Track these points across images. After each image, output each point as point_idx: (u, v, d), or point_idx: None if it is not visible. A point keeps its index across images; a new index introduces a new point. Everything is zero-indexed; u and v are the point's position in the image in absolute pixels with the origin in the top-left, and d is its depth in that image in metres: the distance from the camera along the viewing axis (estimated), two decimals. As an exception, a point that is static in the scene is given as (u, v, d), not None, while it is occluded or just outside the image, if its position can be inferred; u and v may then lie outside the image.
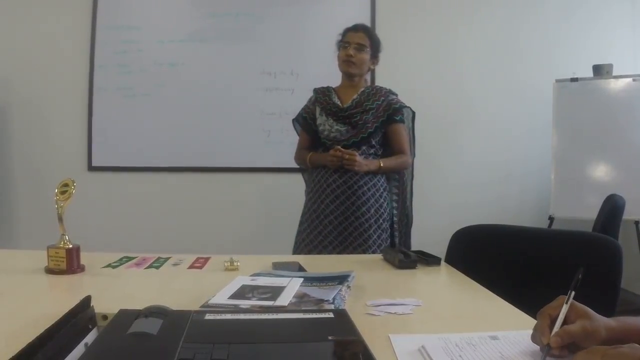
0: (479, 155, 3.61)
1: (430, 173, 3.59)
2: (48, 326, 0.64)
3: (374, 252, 2.02)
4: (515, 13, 3.59)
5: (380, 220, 2.11)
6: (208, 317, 0.80)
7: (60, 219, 1.27)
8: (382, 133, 2.15)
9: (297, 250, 2.20)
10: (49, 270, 1.23)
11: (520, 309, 0.96)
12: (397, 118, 2.15)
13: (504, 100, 3.60)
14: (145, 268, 1.31)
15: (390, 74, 3.55)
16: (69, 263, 1.22)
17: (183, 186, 3.51)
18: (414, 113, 2.27)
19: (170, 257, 1.43)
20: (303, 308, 0.90)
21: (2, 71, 3.45)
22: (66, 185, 1.29)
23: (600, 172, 3.28)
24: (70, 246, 1.24)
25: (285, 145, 3.48)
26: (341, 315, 0.83)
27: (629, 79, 3.22)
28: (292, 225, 3.46)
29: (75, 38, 3.45)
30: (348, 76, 2.15)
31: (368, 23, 3.52)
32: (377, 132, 2.13)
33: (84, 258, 1.28)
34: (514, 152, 3.62)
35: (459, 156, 3.62)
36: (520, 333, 0.77)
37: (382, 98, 2.14)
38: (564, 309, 0.72)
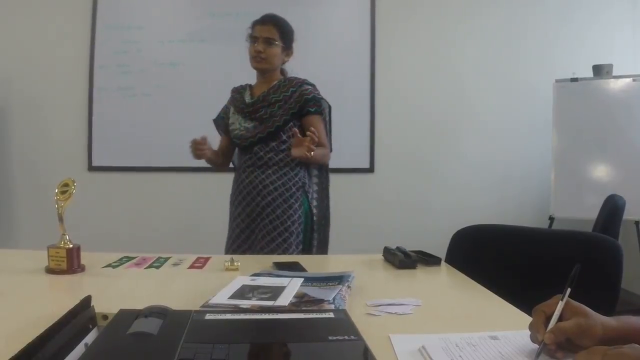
0: (479, 155, 3.61)
1: (430, 173, 3.60)
2: (48, 326, 0.64)
3: (280, 254, 1.85)
4: (515, 13, 3.60)
5: (289, 222, 1.93)
6: (208, 317, 0.80)
7: (60, 219, 1.27)
8: (298, 126, 1.96)
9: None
10: (50, 270, 1.23)
11: (520, 309, 0.96)
12: (312, 110, 1.97)
13: (504, 100, 3.60)
14: (145, 268, 1.31)
15: (390, 74, 3.56)
16: (69, 263, 1.22)
17: (183, 186, 3.51)
18: (330, 107, 2.09)
19: (170, 257, 1.43)
20: (303, 308, 0.90)
21: (2, 71, 3.45)
22: (66, 185, 1.29)
23: (600, 172, 3.28)
24: (71, 246, 1.24)
25: (285, 145, 3.48)
26: (341, 315, 0.83)
27: (629, 79, 3.22)
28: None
29: (75, 38, 3.45)
30: (260, 72, 2.02)
31: (368, 23, 3.53)
32: (287, 125, 1.95)
33: (84, 258, 1.28)
34: (514, 152, 3.62)
35: (459, 156, 3.62)
36: (520, 333, 0.77)
37: (293, 89, 1.98)
38: (559, 305, 0.71)
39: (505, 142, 3.62)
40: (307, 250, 2.02)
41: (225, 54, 3.48)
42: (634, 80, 3.20)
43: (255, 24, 2.02)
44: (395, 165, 3.56)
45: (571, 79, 3.32)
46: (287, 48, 2.03)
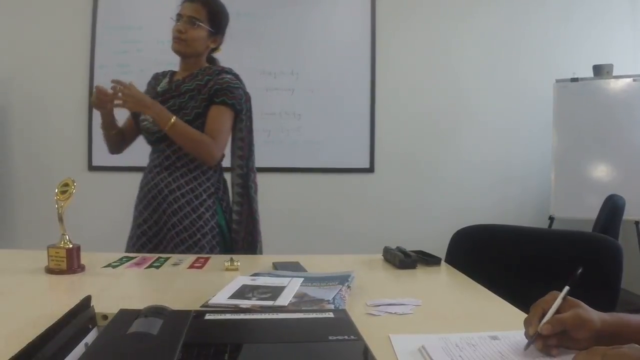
0: (479, 155, 3.61)
1: (430, 173, 3.60)
2: (48, 326, 0.64)
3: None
4: (515, 13, 3.59)
5: (198, 236, 1.64)
6: (208, 317, 0.80)
7: (60, 219, 1.27)
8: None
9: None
10: (49, 270, 1.23)
11: (520, 309, 0.96)
12: (218, 100, 1.67)
13: (504, 100, 3.60)
14: (145, 268, 1.31)
15: (390, 74, 3.56)
16: (69, 263, 1.22)
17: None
18: (246, 95, 1.83)
19: (170, 257, 1.43)
20: (303, 308, 0.90)
21: (2, 71, 3.45)
22: (66, 185, 1.29)
23: (600, 172, 3.28)
24: (71, 246, 1.24)
25: (285, 145, 3.48)
26: (341, 315, 0.83)
27: (629, 79, 3.22)
28: (292, 225, 3.48)
29: (75, 38, 3.45)
30: (180, 56, 1.77)
31: (368, 23, 3.53)
32: (199, 119, 1.67)
33: (84, 258, 1.28)
34: (514, 152, 3.62)
35: (459, 156, 3.62)
36: (520, 333, 0.77)
37: (208, 77, 1.71)
38: (557, 301, 0.72)
39: (505, 142, 3.62)
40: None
41: (225, 54, 3.48)
42: (634, 80, 3.20)
43: (185, 0, 1.76)
44: (395, 165, 3.56)
45: (571, 79, 3.32)
46: (216, 33, 1.77)
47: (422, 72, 3.58)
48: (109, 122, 1.74)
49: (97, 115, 3.72)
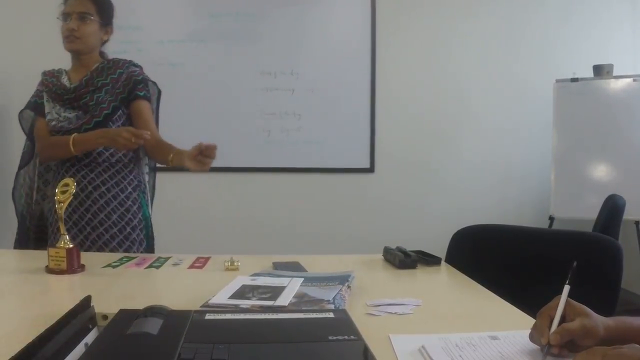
0: (479, 155, 3.61)
1: (431, 173, 3.60)
2: (48, 326, 0.64)
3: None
4: (515, 13, 3.59)
5: (128, 229, 1.64)
6: (208, 317, 0.80)
7: (60, 219, 1.27)
8: (126, 114, 1.71)
9: None
10: (49, 270, 1.23)
11: (520, 309, 0.96)
12: (141, 94, 1.71)
13: (504, 100, 3.60)
14: (145, 268, 1.31)
15: (390, 74, 3.56)
16: (69, 263, 1.22)
17: (182, 186, 3.50)
18: (159, 91, 1.84)
19: (170, 257, 1.43)
20: (303, 308, 0.90)
21: (2, 71, 3.45)
22: (66, 185, 1.29)
23: (600, 172, 3.28)
24: (71, 246, 1.24)
25: (285, 145, 3.48)
26: (341, 315, 0.83)
27: (629, 79, 3.22)
28: (292, 225, 3.48)
29: (76, 38, 3.45)
30: (75, 55, 1.73)
31: (368, 23, 3.53)
32: (116, 112, 1.67)
33: (84, 258, 1.29)
34: (514, 152, 3.62)
35: (459, 156, 3.61)
36: (520, 333, 0.78)
37: (120, 70, 1.72)
38: (560, 305, 0.72)
39: (505, 142, 3.61)
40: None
41: (225, 54, 3.48)
42: (634, 80, 3.20)
43: None
44: (396, 165, 3.56)
45: (571, 79, 3.32)
46: (106, 24, 1.76)
47: (422, 72, 3.58)
48: (93, 148, 1.64)
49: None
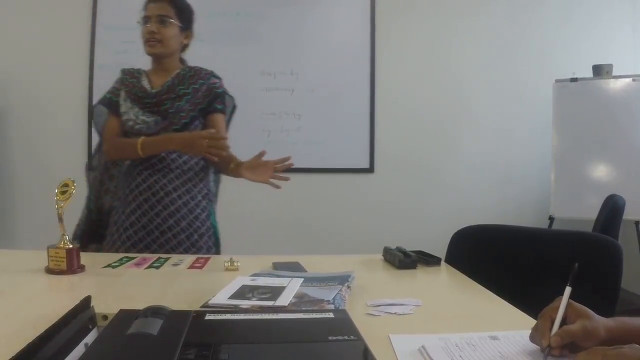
0: (479, 155, 3.61)
1: (430, 173, 3.60)
2: (48, 326, 0.64)
3: None
4: (515, 13, 3.59)
5: (195, 236, 1.64)
6: (208, 317, 0.80)
7: (60, 219, 1.27)
8: (202, 124, 1.71)
9: None
10: (49, 270, 1.23)
11: (520, 309, 0.96)
12: (219, 107, 1.72)
13: (504, 100, 3.60)
14: (145, 268, 1.31)
15: (390, 74, 3.56)
16: (69, 263, 1.22)
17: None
18: (235, 105, 1.85)
19: (170, 257, 1.44)
20: (303, 308, 0.90)
21: (2, 71, 3.45)
22: (66, 185, 1.29)
23: (600, 172, 3.28)
24: (70, 246, 1.24)
25: (285, 145, 3.48)
26: (341, 315, 0.83)
27: (629, 79, 3.22)
28: (292, 225, 3.48)
29: (75, 38, 3.45)
30: (155, 58, 1.73)
31: (368, 23, 3.53)
32: (194, 122, 1.68)
33: (84, 258, 1.29)
34: (513, 152, 3.62)
35: (459, 156, 3.61)
36: (520, 333, 0.78)
37: (201, 81, 1.72)
38: (562, 306, 0.72)
39: (505, 142, 3.61)
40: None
41: (225, 54, 3.48)
42: (634, 80, 3.20)
43: (148, 2, 1.73)
44: (395, 165, 3.56)
45: (571, 79, 3.32)
46: (186, 29, 1.77)
47: (421, 72, 3.58)
48: (162, 151, 1.65)
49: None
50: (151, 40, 1.68)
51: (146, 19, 1.70)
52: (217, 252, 1.72)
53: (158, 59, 1.73)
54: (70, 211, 1.28)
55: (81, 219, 1.76)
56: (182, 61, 1.81)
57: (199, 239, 1.65)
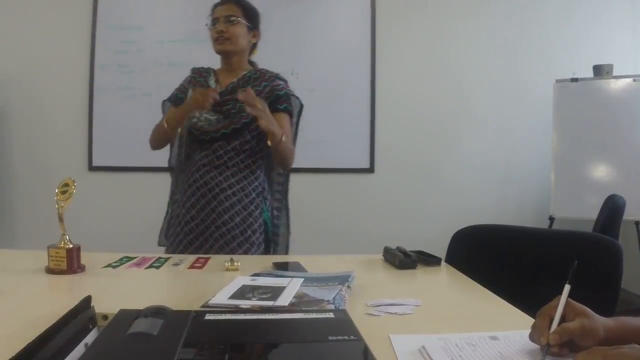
0: (479, 155, 3.61)
1: (430, 173, 3.60)
2: (48, 326, 0.64)
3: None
4: (515, 13, 3.60)
5: (249, 232, 1.71)
6: (208, 317, 0.80)
7: (60, 219, 1.27)
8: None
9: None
10: (49, 270, 1.23)
11: (520, 309, 0.96)
12: (281, 107, 1.75)
13: (504, 100, 3.60)
14: (145, 268, 1.31)
15: (390, 74, 3.56)
16: (69, 263, 1.22)
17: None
18: (302, 105, 1.87)
19: (170, 257, 1.43)
20: (303, 308, 0.90)
21: (2, 71, 3.45)
22: (66, 185, 1.29)
23: (600, 172, 3.28)
24: (71, 246, 1.24)
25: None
26: (341, 315, 0.83)
27: (629, 79, 3.22)
28: (292, 225, 3.47)
29: (75, 38, 3.45)
30: (224, 56, 1.79)
31: (368, 23, 3.52)
32: (254, 123, 1.67)
33: (84, 258, 1.28)
34: (513, 153, 3.62)
35: (459, 156, 3.62)
36: (520, 333, 0.77)
37: (265, 83, 1.77)
38: (560, 305, 0.72)
39: (505, 142, 3.61)
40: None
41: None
42: (634, 80, 3.20)
43: (215, 6, 1.80)
44: (395, 165, 3.56)
45: (571, 79, 3.32)
46: (253, 28, 1.81)
47: (422, 72, 3.58)
48: (183, 121, 1.75)
49: (97, 115, 3.72)
50: (220, 39, 1.74)
51: (214, 21, 1.76)
52: (267, 247, 1.79)
53: (227, 58, 1.79)
54: (71, 211, 1.28)
55: (166, 214, 1.91)
56: (251, 63, 1.87)
57: (252, 235, 1.72)
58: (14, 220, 3.50)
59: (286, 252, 1.86)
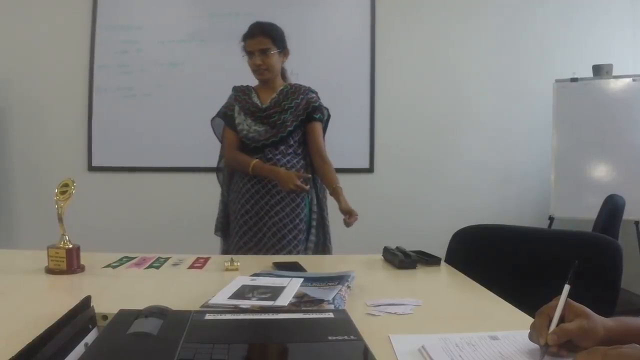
0: (479, 155, 3.61)
1: (430, 173, 3.60)
2: (48, 326, 0.64)
3: (289, 252, 1.97)
4: (515, 13, 3.59)
5: (297, 220, 2.03)
6: (208, 317, 0.80)
7: (60, 219, 1.27)
8: (302, 132, 2.09)
9: (225, 254, 2.10)
10: (49, 270, 1.23)
11: (520, 309, 0.96)
12: (316, 116, 2.09)
13: (504, 100, 3.60)
14: (145, 268, 1.31)
15: (390, 74, 3.56)
16: (69, 263, 1.22)
17: (183, 186, 3.51)
18: (329, 115, 2.19)
19: (170, 257, 1.43)
20: (303, 308, 0.90)
21: (2, 71, 3.45)
22: (66, 185, 1.29)
23: (600, 172, 3.28)
24: (70, 246, 1.24)
25: (285, 145, 3.48)
26: (341, 315, 0.83)
27: (629, 79, 3.22)
28: (292, 225, 3.47)
29: (75, 38, 3.45)
30: (263, 82, 2.10)
31: (368, 23, 3.53)
32: (296, 130, 2.06)
33: (84, 258, 1.28)
34: (513, 152, 3.62)
35: (459, 156, 3.62)
36: (520, 333, 0.77)
37: (302, 96, 2.09)
38: (560, 305, 0.72)
39: (505, 142, 3.61)
40: (322, 250, 2.11)
41: (225, 54, 3.47)
42: (634, 80, 3.20)
43: (246, 38, 2.05)
44: (395, 165, 3.56)
45: (571, 79, 3.32)
46: (283, 50, 2.09)
47: (422, 72, 3.58)
48: (265, 175, 2.02)
49: (97, 115, 3.72)
50: (259, 71, 2.03)
51: (250, 54, 2.03)
52: (308, 234, 2.06)
53: (266, 82, 2.10)
54: (70, 211, 1.28)
55: (218, 213, 2.20)
56: (284, 77, 2.18)
57: (299, 223, 2.03)
58: (14, 220, 3.50)
59: (328, 240, 2.14)
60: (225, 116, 2.12)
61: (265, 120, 2.04)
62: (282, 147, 2.04)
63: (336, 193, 2.03)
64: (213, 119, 2.20)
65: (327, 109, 2.16)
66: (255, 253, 1.97)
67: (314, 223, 2.10)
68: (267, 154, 2.03)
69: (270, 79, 2.07)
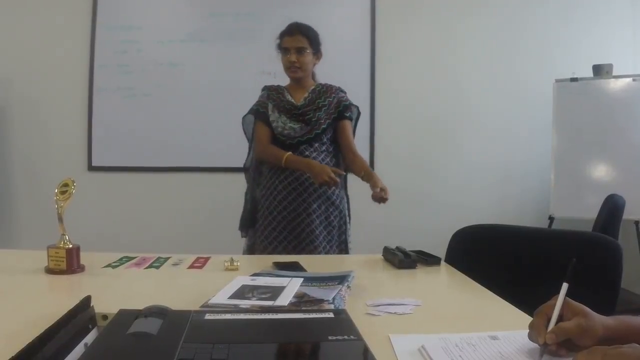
0: (479, 155, 3.61)
1: (430, 173, 3.60)
2: (48, 326, 0.64)
3: (323, 249, 2.02)
4: (515, 13, 3.59)
5: (331, 218, 2.10)
6: (208, 317, 0.80)
7: (60, 219, 1.27)
8: (334, 129, 2.16)
9: (250, 249, 2.18)
10: (49, 270, 1.23)
11: (520, 309, 0.96)
12: (347, 115, 2.17)
13: (504, 100, 3.60)
14: (145, 268, 1.31)
15: (390, 74, 3.56)
16: (69, 263, 1.22)
17: (183, 186, 3.51)
18: (359, 113, 2.27)
19: (170, 257, 1.43)
20: (303, 308, 0.90)
21: (2, 71, 3.45)
22: (66, 185, 1.29)
23: (600, 172, 3.28)
24: (70, 246, 1.24)
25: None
26: (341, 315, 0.83)
27: (629, 79, 3.22)
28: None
29: (75, 38, 3.45)
30: (295, 80, 2.16)
31: (368, 23, 3.53)
32: (329, 128, 2.13)
33: (84, 258, 1.28)
34: (513, 152, 3.61)
35: (459, 156, 3.61)
36: (520, 333, 0.77)
37: (334, 95, 2.17)
38: (558, 303, 0.72)
39: (505, 142, 3.61)
40: (344, 249, 2.13)
41: (225, 54, 3.48)
42: (634, 80, 3.20)
43: (284, 35, 2.11)
44: (395, 165, 3.56)
45: (571, 79, 3.32)
46: (317, 52, 2.15)
47: (422, 71, 3.58)
48: (299, 169, 2.06)
49: (97, 115, 3.72)
50: (292, 68, 2.09)
51: (285, 51, 2.09)
52: (340, 229, 2.12)
53: (298, 81, 2.15)
54: (70, 211, 1.28)
55: (244, 210, 2.25)
56: (314, 77, 2.24)
57: (334, 220, 2.10)
58: (14, 220, 3.50)
59: (346, 245, 2.15)
60: (258, 113, 2.16)
61: (300, 118, 2.10)
62: (316, 144, 2.10)
63: (370, 174, 2.00)
64: (244, 117, 2.24)
65: (357, 107, 2.24)
66: (285, 247, 2.02)
67: (348, 220, 2.18)
68: (303, 151, 2.08)
69: (301, 78, 2.13)
